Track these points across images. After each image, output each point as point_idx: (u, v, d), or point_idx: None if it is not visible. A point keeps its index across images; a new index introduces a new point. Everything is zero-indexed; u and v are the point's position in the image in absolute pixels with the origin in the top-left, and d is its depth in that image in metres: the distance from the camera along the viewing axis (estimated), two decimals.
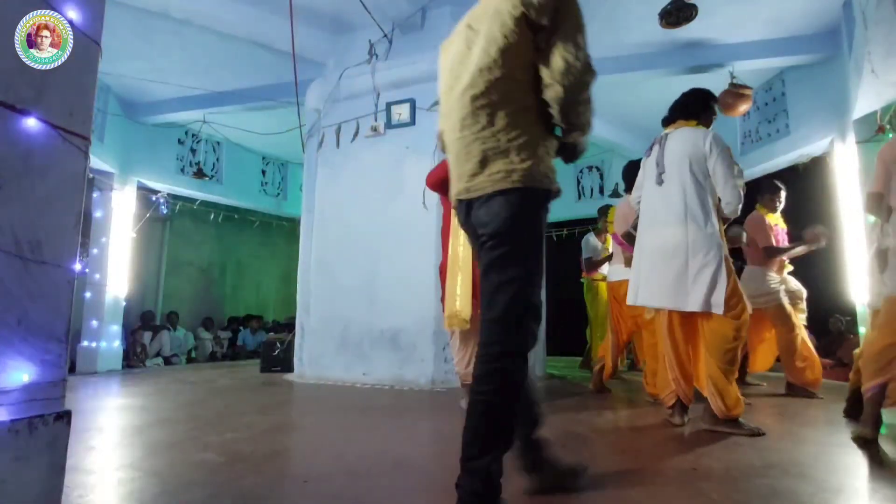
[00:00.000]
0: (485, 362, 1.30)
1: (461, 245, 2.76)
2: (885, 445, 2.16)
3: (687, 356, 2.49)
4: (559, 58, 1.25)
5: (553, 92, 1.28)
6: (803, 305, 3.60)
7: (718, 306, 2.26)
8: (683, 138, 2.48)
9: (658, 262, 2.43)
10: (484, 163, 1.33)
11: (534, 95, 1.33)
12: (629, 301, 2.62)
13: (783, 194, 3.72)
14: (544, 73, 1.29)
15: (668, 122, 2.66)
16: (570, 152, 1.48)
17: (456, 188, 1.43)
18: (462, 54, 1.41)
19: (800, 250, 3.52)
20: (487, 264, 1.34)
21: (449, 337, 2.97)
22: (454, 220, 2.85)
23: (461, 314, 2.65)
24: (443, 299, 2.81)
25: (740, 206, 2.40)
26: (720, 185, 2.39)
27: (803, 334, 3.48)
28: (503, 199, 1.30)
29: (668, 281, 2.38)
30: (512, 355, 1.29)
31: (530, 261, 1.33)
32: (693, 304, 2.31)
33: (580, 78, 1.26)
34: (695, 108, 2.60)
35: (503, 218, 1.30)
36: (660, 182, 2.50)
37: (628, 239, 2.94)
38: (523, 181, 1.29)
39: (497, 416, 1.27)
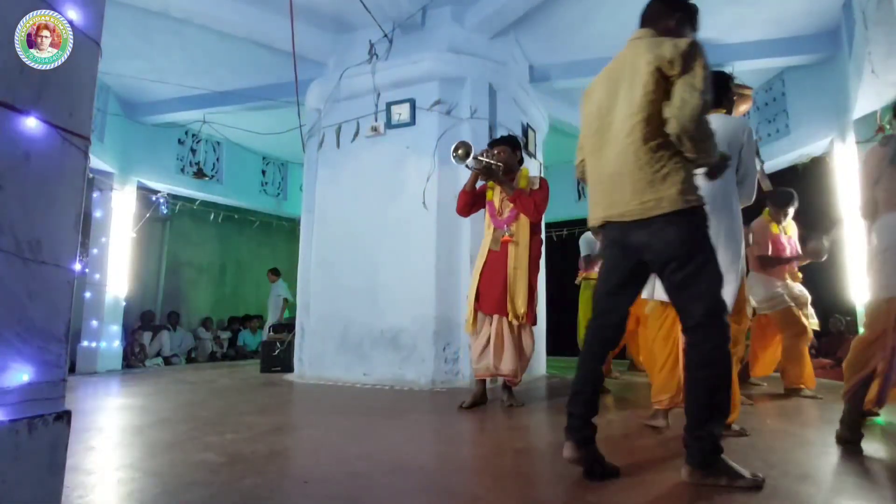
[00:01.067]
0: (701, 353, 1.57)
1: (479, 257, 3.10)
2: (883, 445, 2.16)
3: None
4: (677, 97, 1.51)
5: (670, 126, 1.54)
6: (809, 311, 3.53)
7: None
8: (718, 125, 2.25)
9: None
10: (635, 192, 1.59)
11: None
12: (644, 295, 2.35)
13: (791, 210, 3.64)
14: (665, 110, 1.55)
15: None
16: (711, 171, 1.78)
17: (606, 212, 1.69)
18: (607, 104, 1.70)
19: (796, 262, 3.51)
20: (677, 284, 1.60)
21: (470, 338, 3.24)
22: (487, 236, 3.10)
23: (467, 319, 3.09)
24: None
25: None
26: (741, 183, 2.30)
27: (807, 343, 3.41)
28: (663, 224, 1.56)
29: None
30: (721, 345, 1.56)
31: (708, 268, 1.57)
32: None
33: (694, 113, 1.49)
34: (715, 95, 2.36)
35: (670, 243, 1.56)
36: None
37: None
38: (671, 206, 1.54)
39: (719, 393, 1.55)
